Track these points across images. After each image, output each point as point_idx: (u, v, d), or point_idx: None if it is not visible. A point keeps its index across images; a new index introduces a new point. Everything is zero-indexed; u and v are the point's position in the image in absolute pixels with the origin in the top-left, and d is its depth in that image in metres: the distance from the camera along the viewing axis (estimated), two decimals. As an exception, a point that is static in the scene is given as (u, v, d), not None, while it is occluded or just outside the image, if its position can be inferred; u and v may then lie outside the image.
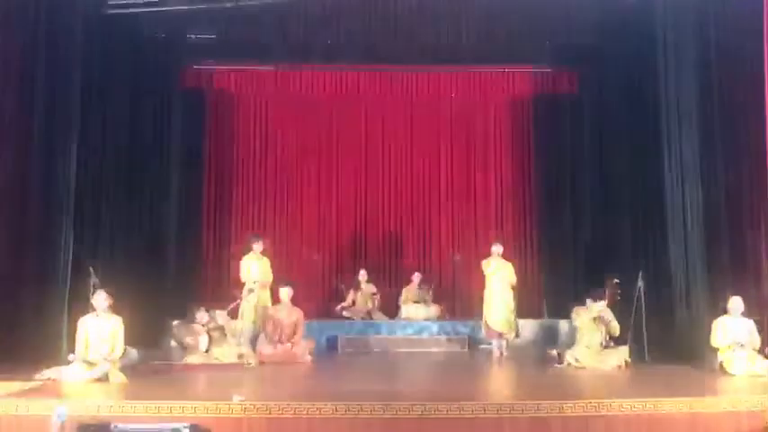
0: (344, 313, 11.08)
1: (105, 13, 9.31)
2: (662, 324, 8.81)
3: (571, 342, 8.70)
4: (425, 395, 6.33)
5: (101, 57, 9.43)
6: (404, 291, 11.43)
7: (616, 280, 8.56)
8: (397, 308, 11.15)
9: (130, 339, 7.60)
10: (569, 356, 8.21)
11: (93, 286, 7.70)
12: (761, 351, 7.60)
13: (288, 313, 9.02)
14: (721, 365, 7.59)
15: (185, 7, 9.32)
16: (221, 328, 8.55)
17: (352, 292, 11.36)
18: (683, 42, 8.92)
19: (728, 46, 8.52)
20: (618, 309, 8.58)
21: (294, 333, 8.93)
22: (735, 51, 8.44)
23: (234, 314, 9.12)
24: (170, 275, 10.78)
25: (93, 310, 7.33)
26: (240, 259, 9.81)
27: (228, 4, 9.18)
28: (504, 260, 9.57)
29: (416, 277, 11.45)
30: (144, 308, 9.10)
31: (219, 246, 11.95)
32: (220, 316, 8.64)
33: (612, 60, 10.83)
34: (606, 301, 8.41)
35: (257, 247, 9.73)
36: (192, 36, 10.57)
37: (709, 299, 8.44)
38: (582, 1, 8.95)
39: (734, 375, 7.35)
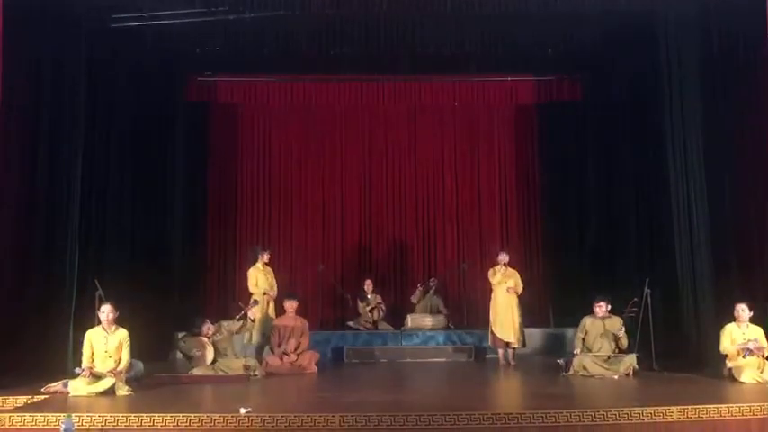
0: (350, 323, 11.06)
1: (110, 26, 9.36)
2: (669, 331, 8.78)
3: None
4: (432, 406, 6.30)
5: (105, 70, 9.49)
6: (416, 295, 11.36)
7: (635, 299, 8.52)
8: (408, 311, 11.09)
9: (136, 352, 7.61)
10: (576, 364, 8.17)
11: (99, 299, 7.71)
12: (761, 352, 7.55)
13: (293, 324, 9.04)
14: (730, 372, 7.55)
15: (189, 20, 9.35)
16: (227, 339, 8.54)
17: (358, 302, 11.34)
18: (686, 48, 8.93)
19: (732, 50, 8.51)
20: (626, 316, 8.56)
21: (299, 344, 8.94)
22: (738, 55, 8.44)
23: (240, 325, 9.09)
24: (175, 287, 10.77)
25: (99, 323, 7.34)
26: (246, 270, 9.84)
27: (232, 17, 9.20)
28: (510, 269, 9.55)
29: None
30: (149, 320, 9.13)
31: (224, 257, 11.96)
32: (229, 326, 8.63)
33: (616, 67, 10.83)
34: (605, 304, 8.39)
35: (265, 256, 9.76)
36: (196, 49, 10.58)
37: (717, 305, 8.40)
38: (584, 8, 8.94)
39: (743, 382, 7.31)
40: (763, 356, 7.52)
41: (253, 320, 9.08)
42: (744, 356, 7.50)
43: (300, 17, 9.16)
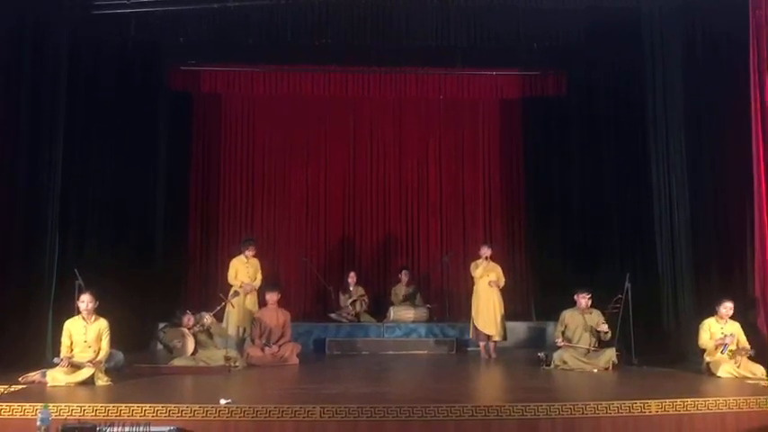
0: (332, 315, 11.05)
1: (92, 13, 9.25)
2: (649, 326, 8.85)
3: (559, 344, 8.70)
4: (413, 398, 6.32)
5: (87, 58, 9.40)
6: (393, 290, 11.40)
7: (619, 295, 8.57)
8: (389, 305, 11.09)
9: (116, 342, 7.55)
10: (557, 358, 8.22)
11: (79, 289, 7.64)
12: (746, 353, 7.63)
13: (275, 315, 9.01)
14: (708, 367, 7.63)
15: (173, 8, 9.26)
16: (207, 331, 8.50)
17: (341, 294, 11.33)
18: (669, 43, 8.99)
19: (715, 47, 8.59)
20: (610, 312, 8.61)
21: (282, 335, 8.93)
22: (721, 52, 8.51)
23: (219, 316, 9.07)
24: (156, 278, 10.69)
25: (79, 312, 7.28)
26: (229, 261, 9.80)
27: (216, 5, 9.14)
28: (492, 262, 9.58)
29: (405, 275, 11.43)
30: (130, 311, 9.08)
31: (206, 248, 11.90)
32: (206, 317, 8.58)
33: (600, 61, 10.86)
34: (589, 296, 8.43)
35: (249, 251, 9.70)
36: (180, 38, 10.48)
37: (696, 301, 8.48)
38: (570, 3, 8.97)
39: (720, 377, 7.38)
40: (744, 355, 7.57)
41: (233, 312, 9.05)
42: (722, 352, 7.57)
43: (285, 7, 9.13)
